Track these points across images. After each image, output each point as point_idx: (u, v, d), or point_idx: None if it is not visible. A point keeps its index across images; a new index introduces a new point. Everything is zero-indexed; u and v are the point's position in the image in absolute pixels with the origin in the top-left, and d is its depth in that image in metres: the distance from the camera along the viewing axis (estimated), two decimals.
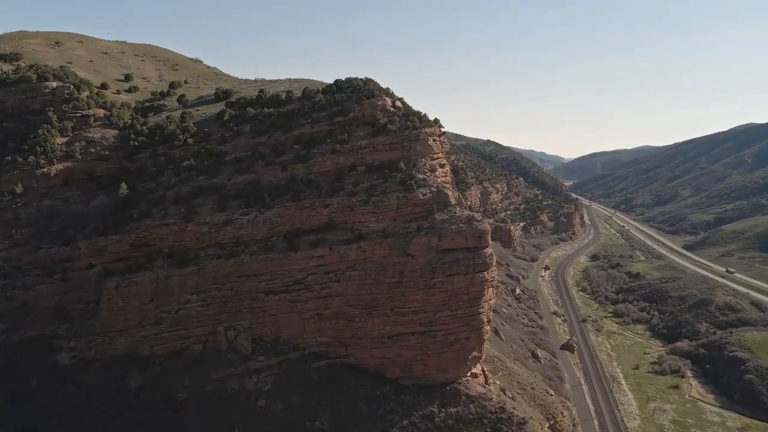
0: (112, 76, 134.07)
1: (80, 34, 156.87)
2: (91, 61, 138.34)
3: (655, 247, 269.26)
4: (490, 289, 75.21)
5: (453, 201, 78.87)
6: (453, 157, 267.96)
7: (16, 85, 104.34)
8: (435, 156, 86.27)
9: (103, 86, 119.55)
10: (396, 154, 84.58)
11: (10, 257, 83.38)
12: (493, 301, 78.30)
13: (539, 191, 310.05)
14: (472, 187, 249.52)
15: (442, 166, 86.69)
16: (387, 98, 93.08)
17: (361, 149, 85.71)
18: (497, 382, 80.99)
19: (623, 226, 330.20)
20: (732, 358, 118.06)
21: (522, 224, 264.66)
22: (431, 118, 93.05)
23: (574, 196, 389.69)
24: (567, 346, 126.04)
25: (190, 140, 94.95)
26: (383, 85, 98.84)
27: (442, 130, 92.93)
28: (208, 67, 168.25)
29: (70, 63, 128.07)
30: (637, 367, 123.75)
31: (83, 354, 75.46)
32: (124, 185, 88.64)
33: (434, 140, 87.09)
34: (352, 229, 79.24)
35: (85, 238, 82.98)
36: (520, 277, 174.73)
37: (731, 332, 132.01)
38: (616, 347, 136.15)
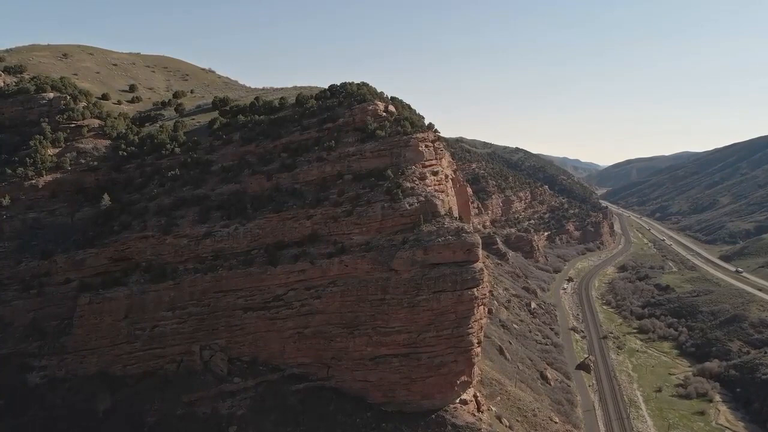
0: (118, 86, 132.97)
1: (91, 47, 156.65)
2: (98, 73, 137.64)
3: (689, 257, 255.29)
4: (481, 308, 68.90)
5: (442, 211, 73.05)
6: (474, 166, 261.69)
7: (14, 97, 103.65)
8: (427, 163, 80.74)
9: (104, 97, 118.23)
10: (384, 161, 79.45)
11: None
12: (484, 321, 71.91)
13: (565, 199, 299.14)
14: (493, 196, 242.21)
15: (435, 173, 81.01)
16: (379, 103, 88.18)
17: (349, 157, 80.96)
18: (493, 409, 74.36)
19: (662, 239, 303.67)
20: (765, 381, 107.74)
21: (546, 234, 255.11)
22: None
23: (603, 204, 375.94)
24: (583, 366, 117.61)
25: (177, 149, 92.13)
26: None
27: (437, 134, 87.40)
28: (219, 76, 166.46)
29: (75, 74, 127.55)
30: (659, 390, 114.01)
31: (54, 373, 72.26)
32: (106, 196, 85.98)
33: (426, 146, 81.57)
34: (335, 241, 74.34)
35: (63, 251, 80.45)
36: (538, 290, 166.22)
37: (766, 352, 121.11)
38: (638, 367, 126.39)
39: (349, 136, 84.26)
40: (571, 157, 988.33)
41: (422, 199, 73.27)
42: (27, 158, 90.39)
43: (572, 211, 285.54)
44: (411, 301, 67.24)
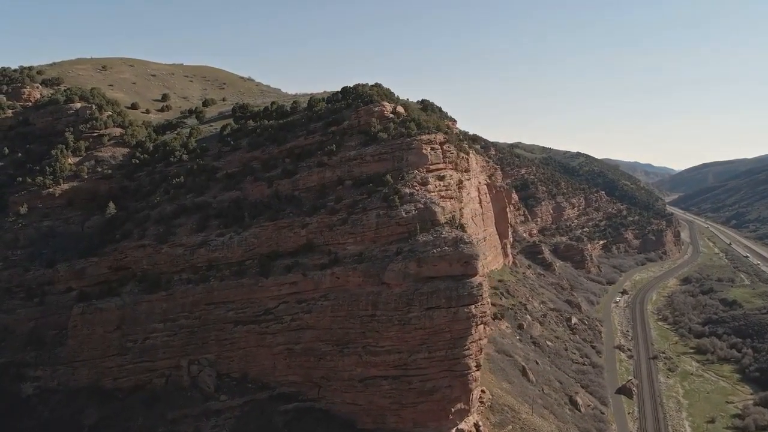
0: (152, 96, 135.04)
1: (133, 59, 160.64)
2: (134, 83, 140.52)
3: (765, 269, 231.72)
4: (481, 327, 61.87)
5: (442, 219, 66.72)
6: (523, 171, 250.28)
7: (45, 108, 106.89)
8: (432, 167, 74.69)
9: (133, 106, 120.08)
10: (386, 166, 74.26)
11: (2, 279, 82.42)
12: (484, 342, 64.72)
13: (624, 206, 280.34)
14: (542, 203, 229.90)
15: (441, 178, 74.78)
16: (386, 104, 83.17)
17: (350, 161, 76.34)
18: None
19: (746, 256, 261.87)
20: None
21: (601, 243, 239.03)
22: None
23: (668, 210, 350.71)
24: (624, 390, 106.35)
25: (185, 156, 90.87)
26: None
27: (447, 136, 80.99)
28: (257, 84, 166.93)
29: (111, 86, 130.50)
30: (712, 421, 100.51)
31: (46, 384, 71.41)
32: (111, 205, 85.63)
33: (432, 149, 75.51)
34: (329, 252, 69.63)
35: (66, 260, 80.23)
36: (584, 304, 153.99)
37: None
38: (691, 393, 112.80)
39: (353, 139, 79.81)
40: (642, 162, 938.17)
41: (420, 206, 67.29)
42: (47, 167, 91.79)
43: (631, 219, 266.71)
44: (402, 319, 61.35)
